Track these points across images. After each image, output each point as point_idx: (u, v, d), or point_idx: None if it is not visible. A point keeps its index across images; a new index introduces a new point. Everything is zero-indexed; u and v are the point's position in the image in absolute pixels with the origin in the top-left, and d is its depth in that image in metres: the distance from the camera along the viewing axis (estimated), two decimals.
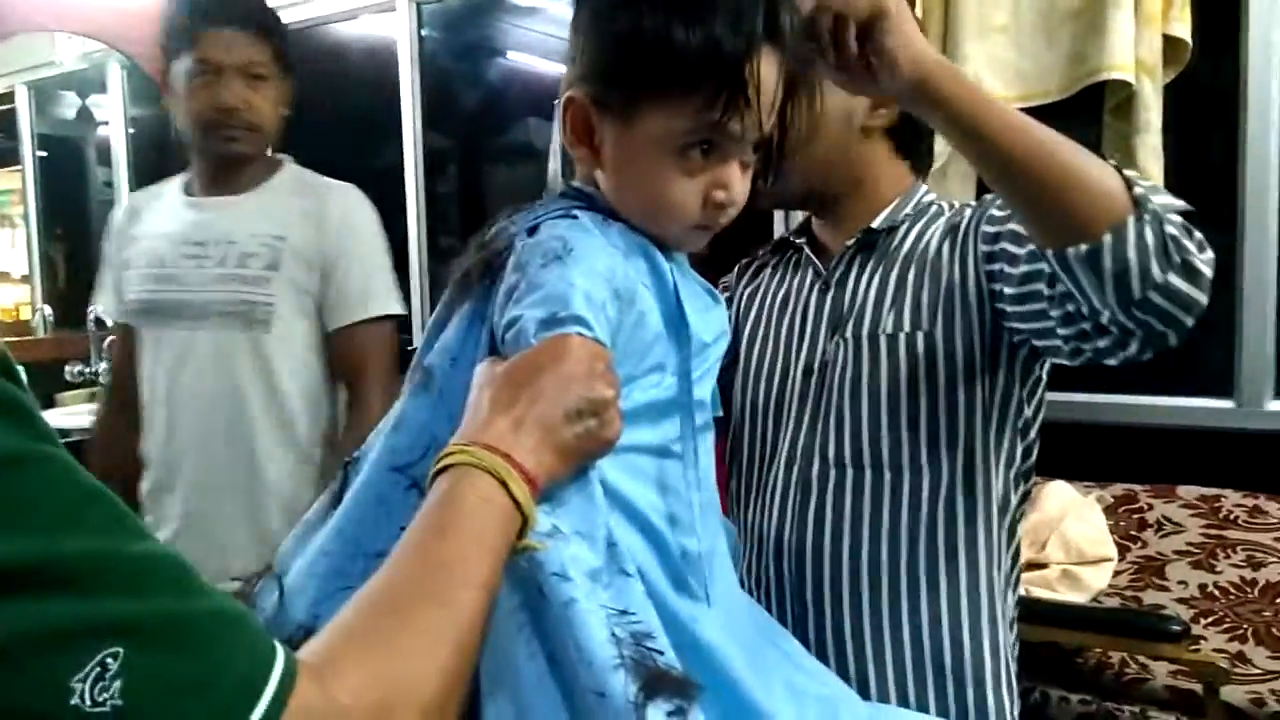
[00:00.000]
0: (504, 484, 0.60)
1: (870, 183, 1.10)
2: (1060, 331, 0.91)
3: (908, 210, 1.09)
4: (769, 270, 1.20)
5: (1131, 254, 0.80)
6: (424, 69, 3.14)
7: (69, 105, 3.47)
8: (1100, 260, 0.81)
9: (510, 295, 0.69)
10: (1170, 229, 0.80)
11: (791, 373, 1.09)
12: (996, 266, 0.95)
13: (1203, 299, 0.83)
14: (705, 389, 0.79)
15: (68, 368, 3.02)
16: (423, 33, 3.15)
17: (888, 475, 1.01)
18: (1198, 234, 0.83)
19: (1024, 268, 0.91)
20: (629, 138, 0.73)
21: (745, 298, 1.20)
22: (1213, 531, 1.80)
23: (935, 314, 1.01)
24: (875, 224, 1.08)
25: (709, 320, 0.79)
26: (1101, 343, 0.90)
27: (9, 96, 3.24)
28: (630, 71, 0.71)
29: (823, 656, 1.01)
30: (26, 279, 3.28)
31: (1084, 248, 0.82)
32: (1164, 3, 1.85)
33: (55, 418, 2.78)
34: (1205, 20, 1.92)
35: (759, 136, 0.73)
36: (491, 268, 0.73)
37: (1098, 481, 1.96)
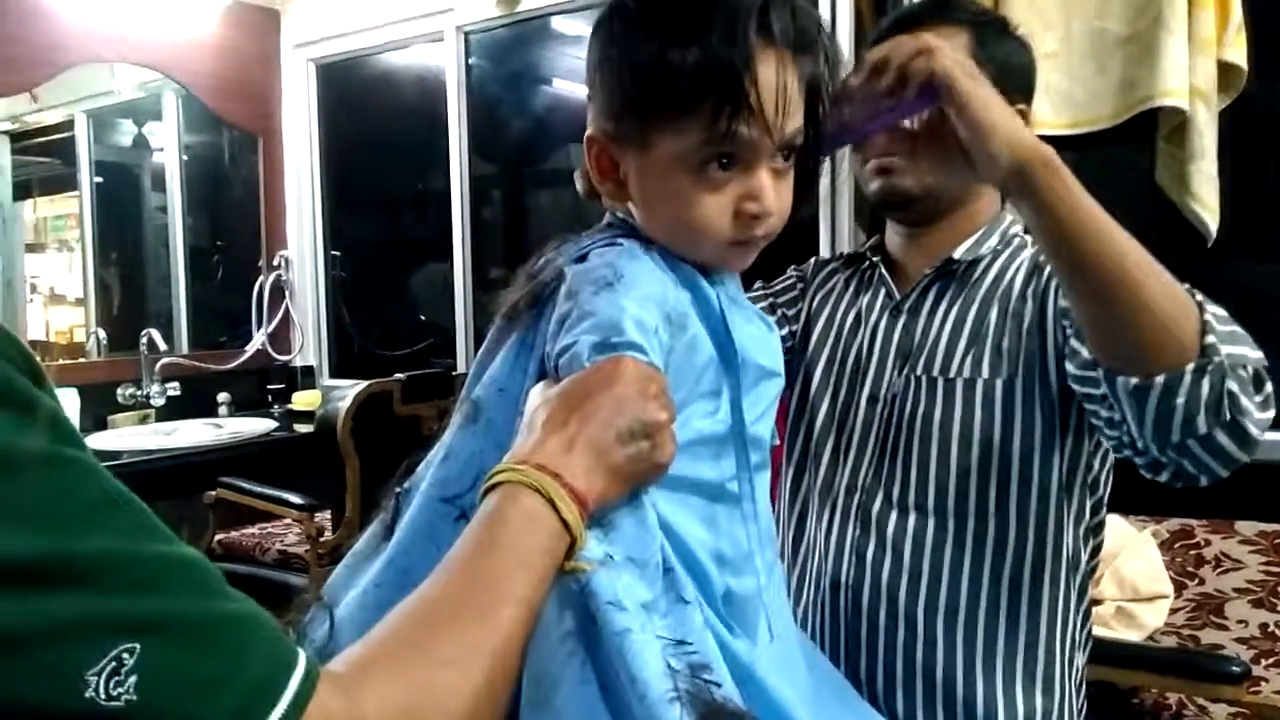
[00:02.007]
0: (552, 503, 0.60)
1: (968, 207, 1.08)
2: (1106, 430, 0.90)
3: (993, 243, 1.06)
4: (841, 282, 1.17)
5: (1180, 401, 0.78)
6: (471, 97, 3.19)
7: (125, 133, 3.56)
8: (1147, 399, 0.80)
9: (563, 324, 0.69)
10: (1231, 384, 0.77)
11: (856, 399, 1.08)
12: (1071, 327, 0.93)
13: (1243, 457, 0.81)
14: (764, 425, 0.77)
15: (120, 390, 3.08)
16: (470, 61, 3.20)
17: (952, 523, 0.99)
18: (1268, 389, 0.80)
19: (1086, 355, 0.88)
20: (648, 166, 0.73)
21: (816, 301, 1.18)
22: (1274, 569, 1.75)
23: (1016, 363, 0.98)
24: (957, 254, 1.06)
25: (764, 347, 0.78)
26: (1137, 460, 0.89)
27: (69, 124, 3.32)
28: (635, 100, 0.71)
29: (871, 697, 1.00)
30: (81, 302, 3.35)
31: (1134, 382, 0.80)
32: (1218, 28, 1.82)
33: (107, 439, 2.83)
34: (1262, 45, 1.89)
35: (784, 140, 0.71)
36: (539, 299, 0.74)
37: (1153, 516, 1.91)
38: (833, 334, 1.13)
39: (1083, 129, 1.93)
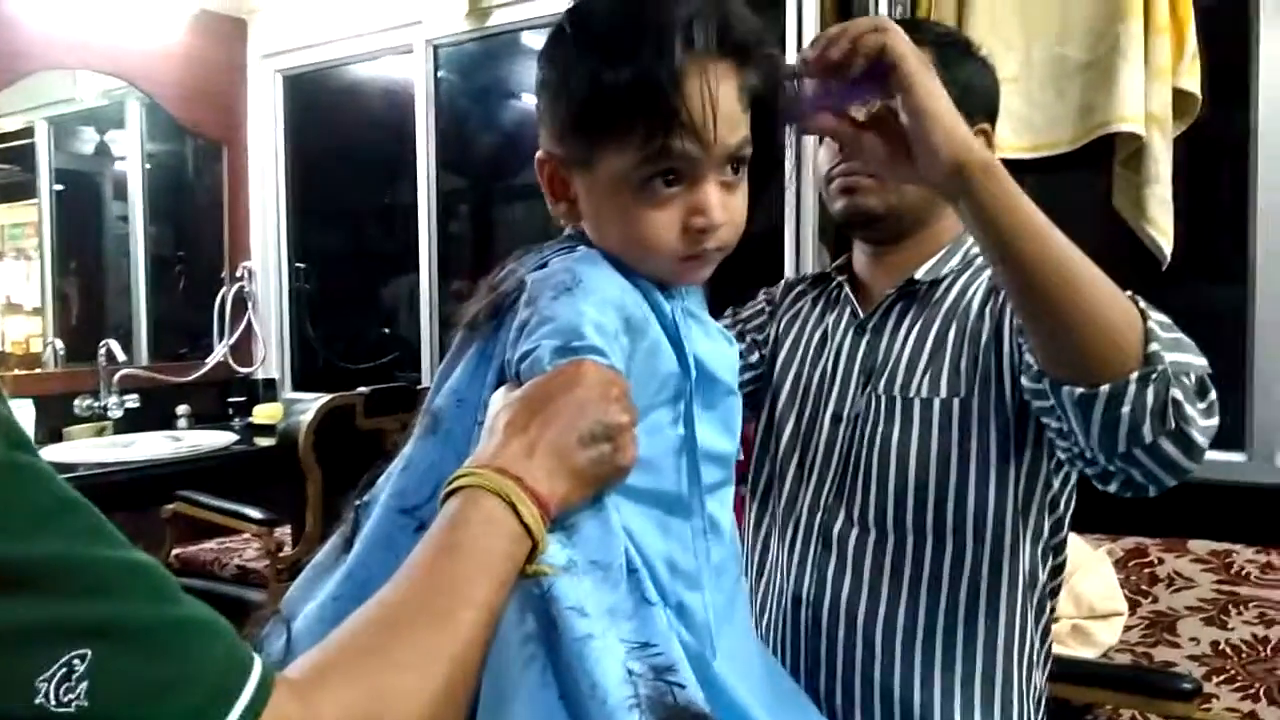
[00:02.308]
0: (513, 506, 0.59)
1: (932, 226, 1.08)
2: (1058, 441, 0.91)
3: (954, 263, 1.07)
4: (809, 301, 1.18)
5: (1125, 410, 0.78)
6: (439, 110, 3.19)
7: (88, 140, 3.51)
8: (1093, 408, 0.80)
9: (523, 330, 0.69)
10: (1176, 392, 0.77)
11: (820, 418, 1.09)
12: (1026, 342, 0.92)
13: (1190, 466, 0.81)
14: (723, 440, 0.78)
15: (77, 401, 3.02)
16: (439, 75, 3.19)
17: (910, 540, 1.00)
18: (1211, 397, 0.80)
19: (1036, 366, 0.88)
20: (595, 185, 0.73)
21: (784, 323, 1.19)
22: (1225, 587, 1.78)
23: (972, 381, 0.99)
24: (919, 274, 1.07)
25: (724, 363, 0.79)
26: (1087, 470, 0.90)
27: (29, 131, 3.27)
28: (576, 122, 0.71)
29: (830, 714, 1.00)
30: (39, 311, 3.29)
31: (1078, 391, 0.80)
32: (1174, 56, 1.87)
33: (63, 452, 2.78)
34: (1215, 73, 1.94)
35: (726, 152, 0.71)
36: (500, 309, 0.74)
37: (1108, 534, 1.94)
38: (799, 354, 1.14)
39: (1042, 152, 1.97)
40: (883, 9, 2.20)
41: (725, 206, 0.72)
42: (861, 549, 1.02)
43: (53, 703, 0.39)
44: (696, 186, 0.71)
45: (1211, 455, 2.03)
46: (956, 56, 1.06)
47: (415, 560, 0.59)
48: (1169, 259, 1.91)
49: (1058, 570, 1.04)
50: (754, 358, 1.19)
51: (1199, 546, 1.86)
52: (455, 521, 0.60)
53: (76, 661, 0.40)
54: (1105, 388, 0.78)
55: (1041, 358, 0.84)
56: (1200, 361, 0.80)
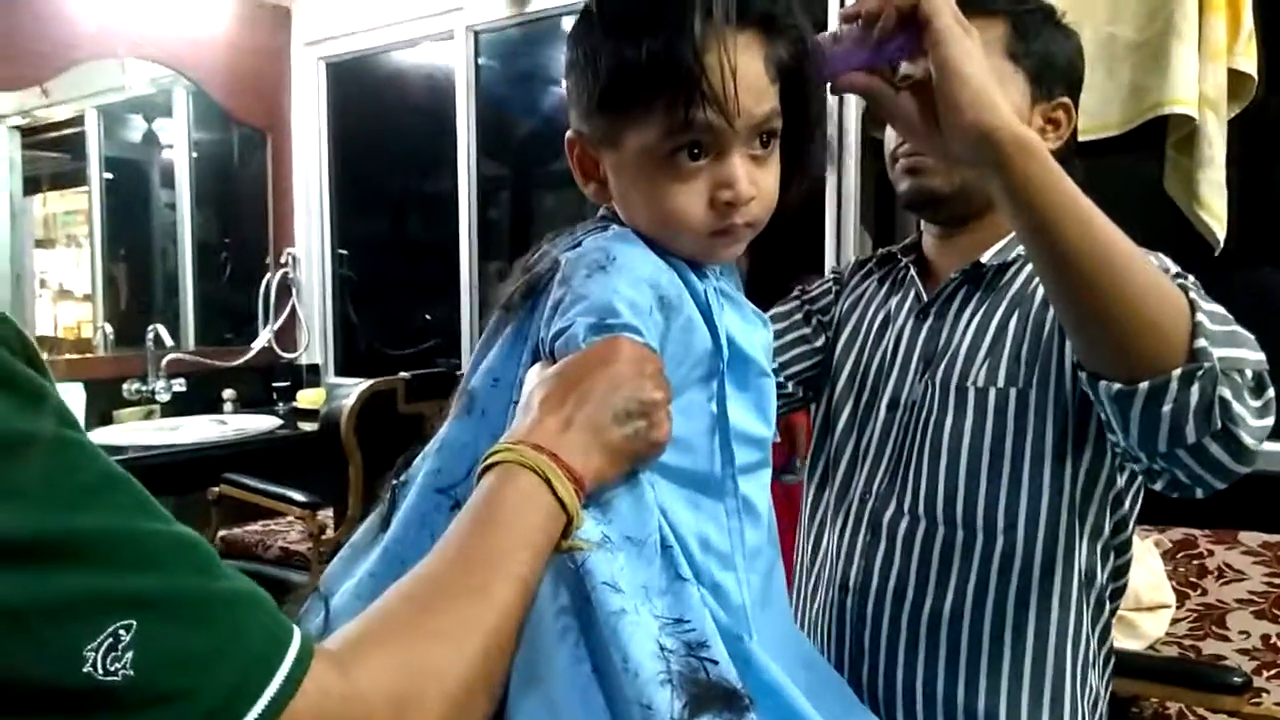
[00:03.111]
0: (548, 482, 0.60)
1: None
2: (1108, 436, 0.86)
3: (1021, 249, 1.02)
4: (875, 282, 1.16)
5: (1166, 409, 0.73)
6: (480, 97, 3.19)
7: (135, 129, 3.57)
8: (1130, 405, 0.75)
9: (557, 308, 0.69)
10: (1224, 390, 0.72)
11: (877, 404, 1.06)
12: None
13: (1239, 469, 0.76)
14: (756, 423, 0.77)
15: (125, 385, 3.09)
16: (479, 61, 3.20)
17: (961, 534, 0.97)
18: (1269, 395, 0.75)
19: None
20: (622, 163, 0.73)
21: (847, 305, 1.16)
22: (1276, 580, 1.74)
23: (1032, 372, 0.95)
24: (985, 258, 1.03)
25: (758, 344, 0.78)
26: (1135, 467, 0.86)
27: (79, 120, 3.33)
28: (601, 99, 0.71)
29: (873, 704, 0.99)
30: (89, 297, 3.36)
31: (1115, 387, 0.76)
32: (1229, 36, 1.81)
33: (112, 434, 2.84)
34: (1272, 53, 1.88)
35: (752, 124, 0.70)
36: (534, 290, 0.74)
37: (1156, 525, 1.90)
38: (860, 338, 1.12)
39: (1091, 135, 1.92)
40: None
41: (753, 180, 0.71)
42: (911, 539, 0.99)
43: (100, 672, 0.40)
44: (723, 159, 0.70)
45: (1265, 445, 1.99)
46: (1035, 25, 1.01)
47: (451, 535, 0.60)
48: (1222, 245, 1.85)
49: (1121, 571, 1.00)
50: (819, 341, 1.16)
51: (1250, 538, 1.82)
52: (491, 497, 0.60)
53: (122, 631, 0.40)
54: (1144, 385, 0.74)
55: (1079, 350, 0.81)
56: (1257, 357, 0.76)
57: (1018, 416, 0.96)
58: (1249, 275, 2.06)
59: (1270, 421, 0.77)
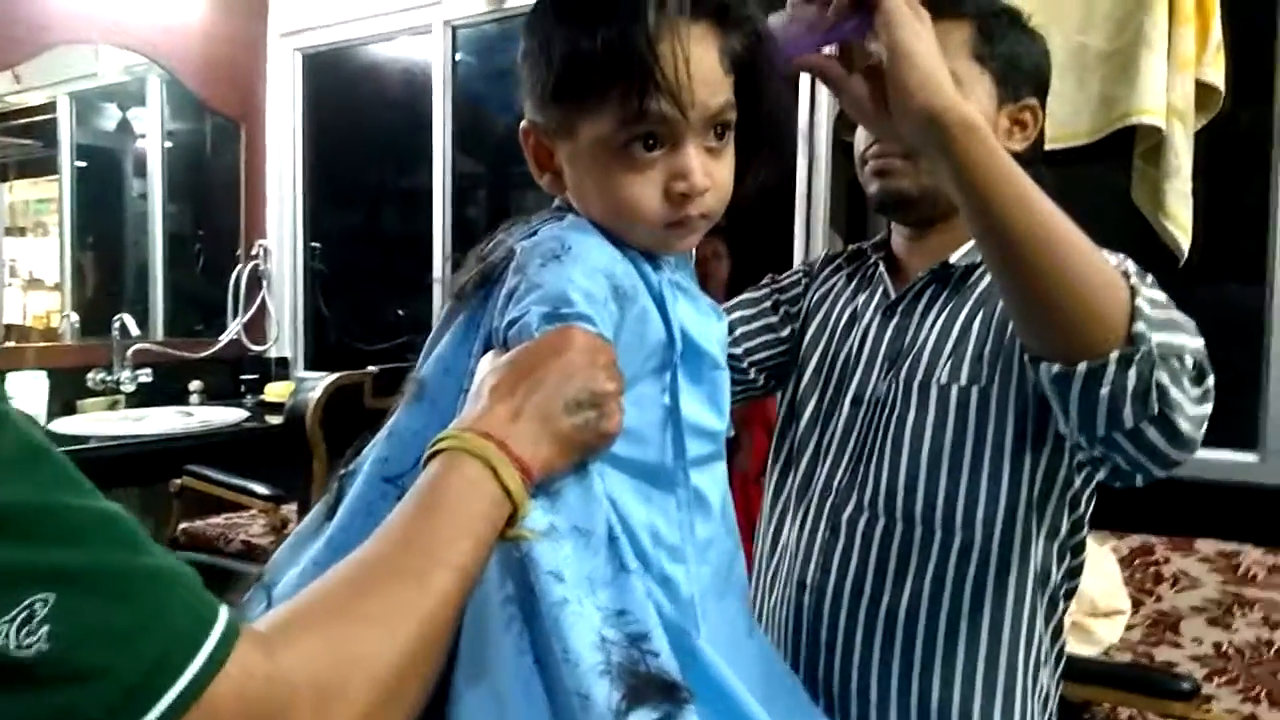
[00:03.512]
0: (494, 470, 0.59)
1: None
2: (1063, 432, 0.87)
3: None
4: (843, 278, 1.16)
5: (1104, 391, 0.74)
6: (456, 92, 3.18)
7: (110, 117, 3.53)
8: (1069, 388, 0.77)
9: (510, 297, 0.69)
10: (1161, 375, 0.74)
11: (841, 399, 1.07)
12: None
13: (1178, 455, 0.77)
14: (710, 415, 0.77)
15: (91, 375, 3.05)
16: (456, 56, 3.19)
17: (919, 530, 0.97)
18: (1208, 383, 0.76)
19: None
20: (577, 153, 0.73)
21: (816, 298, 1.16)
22: (1230, 588, 1.76)
23: (994, 370, 0.96)
24: (953, 259, 1.04)
25: (712, 336, 0.78)
26: (1080, 455, 0.86)
27: (51, 106, 3.29)
28: (555, 88, 0.71)
29: (828, 701, 0.99)
30: (59, 286, 3.32)
31: (1055, 368, 0.77)
32: (1198, 48, 1.83)
33: (75, 424, 2.81)
34: (1240, 66, 1.90)
35: (706, 115, 0.70)
36: (488, 279, 0.73)
37: (1114, 531, 1.92)
38: (826, 332, 1.12)
39: (1061, 143, 1.94)
40: None
41: (708, 171, 0.71)
42: (869, 536, 1.00)
43: (13, 645, 0.39)
44: (677, 150, 0.70)
45: (1223, 455, 2.03)
46: (1001, 27, 1.02)
47: (392, 520, 0.59)
48: (1186, 255, 1.87)
49: (1074, 572, 1.01)
50: (785, 331, 1.17)
51: (1206, 546, 1.84)
52: (435, 483, 0.60)
53: (39, 605, 0.40)
54: (1082, 366, 0.75)
55: (1021, 332, 0.82)
56: (1195, 343, 0.77)
57: (979, 414, 0.96)
58: (1213, 287, 2.08)
59: (1207, 409, 0.78)
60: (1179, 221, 1.85)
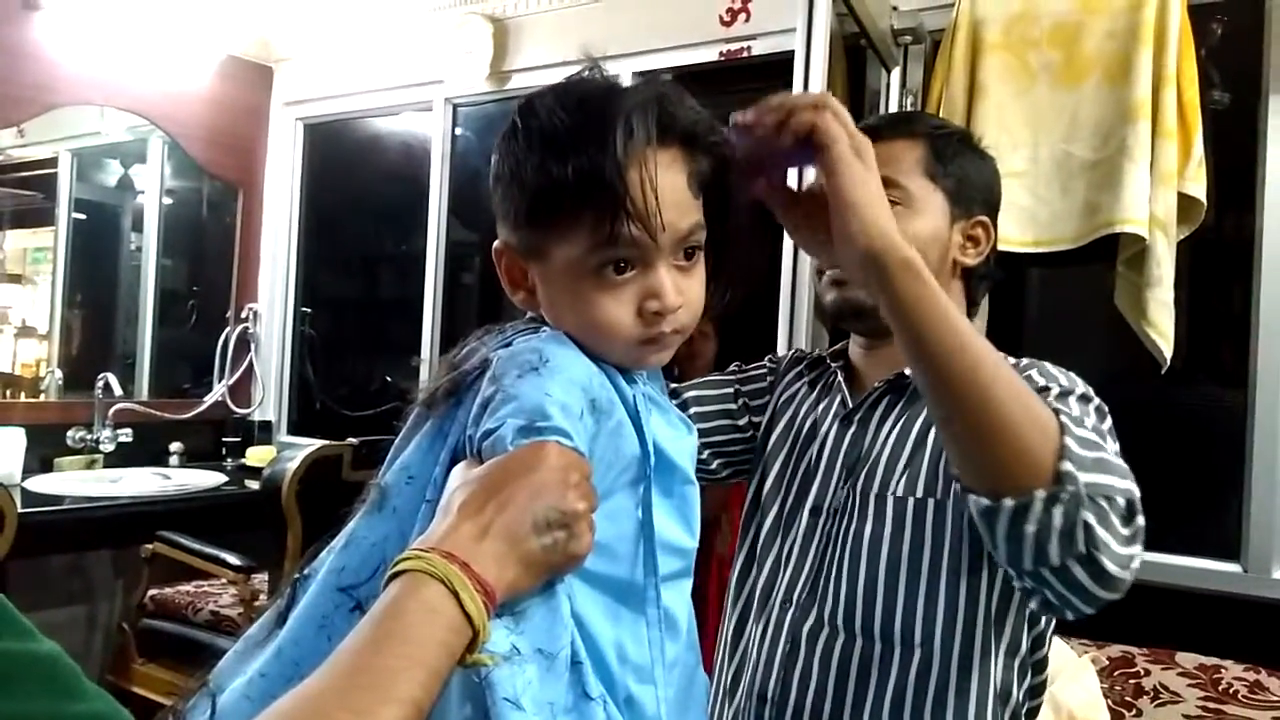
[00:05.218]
0: (456, 595, 0.58)
1: None
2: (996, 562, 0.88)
3: None
4: (806, 385, 1.17)
5: (1029, 528, 0.75)
6: (454, 166, 3.22)
7: (111, 173, 3.56)
8: (995, 522, 0.77)
9: (485, 406, 0.68)
10: (1087, 515, 0.74)
11: (801, 508, 1.07)
12: None
13: (1105, 594, 0.78)
14: (681, 532, 0.76)
15: (71, 433, 3.02)
16: (456, 132, 3.23)
17: (878, 646, 0.97)
18: (1138, 524, 0.77)
19: None
20: (550, 274, 0.74)
21: (781, 400, 1.17)
22: (1211, 705, 1.72)
23: (949, 483, 0.96)
24: (908, 370, 1.03)
25: (683, 451, 0.77)
26: (1016, 584, 0.86)
27: (53, 161, 3.32)
28: (527, 213, 0.72)
29: None
30: (47, 337, 3.32)
31: (983, 502, 0.78)
32: (1180, 162, 1.86)
33: (51, 483, 2.77)
34: (1222, 178, 1.93)
35: (677, 237, 0.71)
36: (459, 387, 0.73)
37: (1094, 641, 1.89)
38: (789, 438, 1.12)
39: (1045, 248, 1.96)
40: (892, 102, 2.22)
41: (680, 289, 0.72)
42: (829, 652, 0.99)
43: None
44: (649, 271, 0.71)
45: (1205, 564, 2.01)
46: (953, 149, 1.06)
47: (344, 649, 0.58)
48: (1169, 363, 1.88)
49: (1036, 690, 1.00)
50: (743, 421, 1.18)
51: (1187, 660, 1.81)
52: (391, 609, 0.58)
53: None
54: (1009, 503, 0.76)
55: (953, 461, 0.83)
56: (1125, 485, 0.78)
57: (935, 527, 0.96)
58: (1196, 390, 2.09)
59: (1138, 550, 0.78)
60: (1160, 329, 1.85)
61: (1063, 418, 0.78)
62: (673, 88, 0.74)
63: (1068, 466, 0.75)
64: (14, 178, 3.33)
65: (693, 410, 1.17)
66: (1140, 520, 0.78)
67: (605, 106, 0.70)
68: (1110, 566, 0.76)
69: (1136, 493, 0.78)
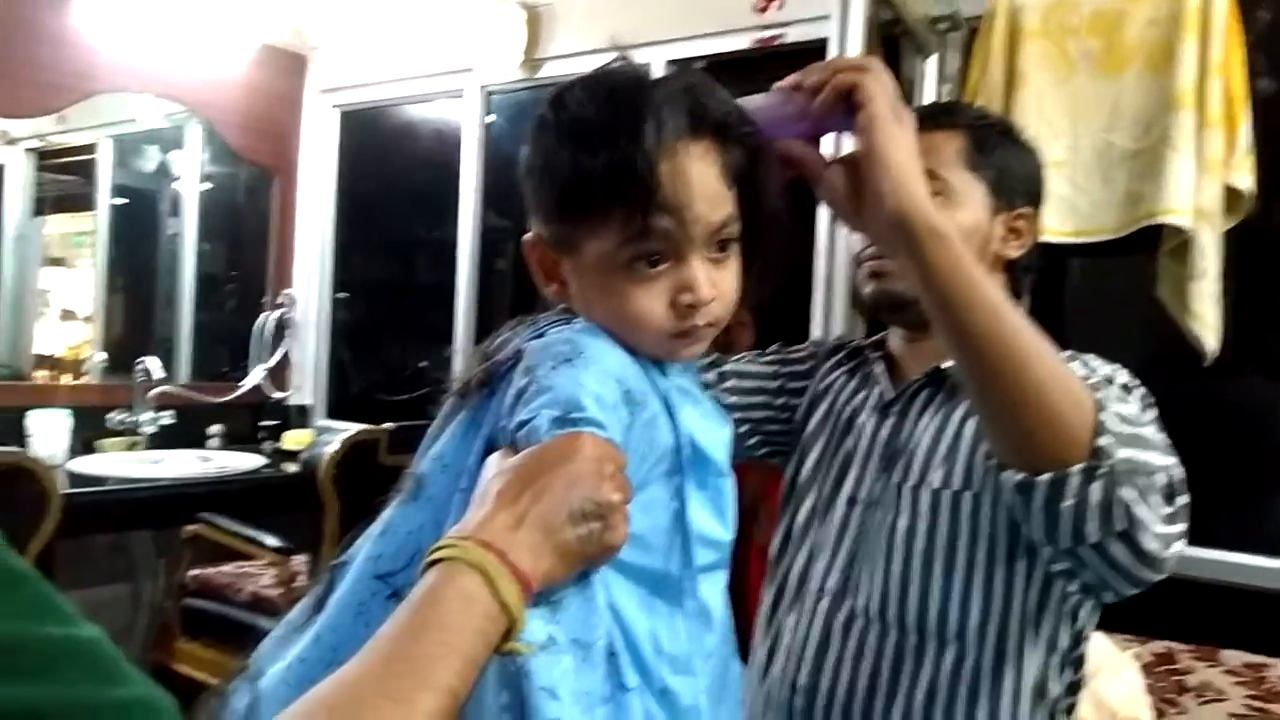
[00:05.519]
0: (491, 583, 0.58)
1: None
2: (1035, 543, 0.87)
3: None
4: (844, 375, 1.16)
5: (1066, 504, 0.74)
6: (488, 153, 3.23)
7: (149, 159, 3.61)
8: (1031, 498, 0.76)
9: (519, 398, 0.68)
10: (1125, 491, 0.73)
11: (836, 498, 1.06)
12: None
13: (1146, 574, 0.76)
14: (716, 524, 0.76)
15: (112, 415, 3.07)
16: (489, 119, 3.24)
17: (911, 638, 0.96)
18: (1179, 502, 0.76)
19: None
20: (581, 266, 0.73)
21: (821, 388, 1.16)
22: (1256, 704, 1.70)
23: (986, 475, 0.95)
24: (946, 365, 1.04)
25: (717, 443, 0.77)
26: (1054, 567, 0.85)
27: (93, 147, 3.37)
28: (558, 206, 0.72)
29: None
30: (90, 319, 3.37)
31: (1017, 477, 0.77)
32: (1225, 151, 1.82)
33: (93, 464, 2.82)
34: (1270, 167, 1.89)
35: (709, 230, 0.71)
36: (492, 378, 0.73)
37: (1138, 636, 1.86)
38: (828, 426, 1.12)
39: (1086, 238, 1.93)
40: (929, 91, 2.19)
41: (713, 282, 0.72)
42: (862, 643, 0.98)
43: None
44: (682, 264, 0.71)
45: (1251, 560, 1.97)
46: (994, 139, 1.05)
47: (381, 637, 0.58)
48: (1212, 355, 1.84)
49: (1074, 687, 0.99)
50: (780, 401, 1.18)
51: (1232, 657, 1.78)
52: (429, 596, 0.59)
53: None
54: (1045, 477, 0.75)
55: (988, 438, 0.82)
56: (1165, 462, 0.77)
57: (971, 520, 0.96)
58: (1242, 386, 2.05)
59: (1180, 529, 0.77)
60: (1205, 321, 1.82)
61: (1099, 394, 0.78)
62: (703, 79, 0.74)
63: (1104, 441, 0.74)
64: (55, 163, 3.38)
65: (732, 383, 1.17)
66: (1182, 499, 0.77)
67: (636, 98, 0.69)
68: (1150, 544, 0.75)
69: (1178, 472, 0.77)
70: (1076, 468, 0.74)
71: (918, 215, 0.76)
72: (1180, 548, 0.78)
